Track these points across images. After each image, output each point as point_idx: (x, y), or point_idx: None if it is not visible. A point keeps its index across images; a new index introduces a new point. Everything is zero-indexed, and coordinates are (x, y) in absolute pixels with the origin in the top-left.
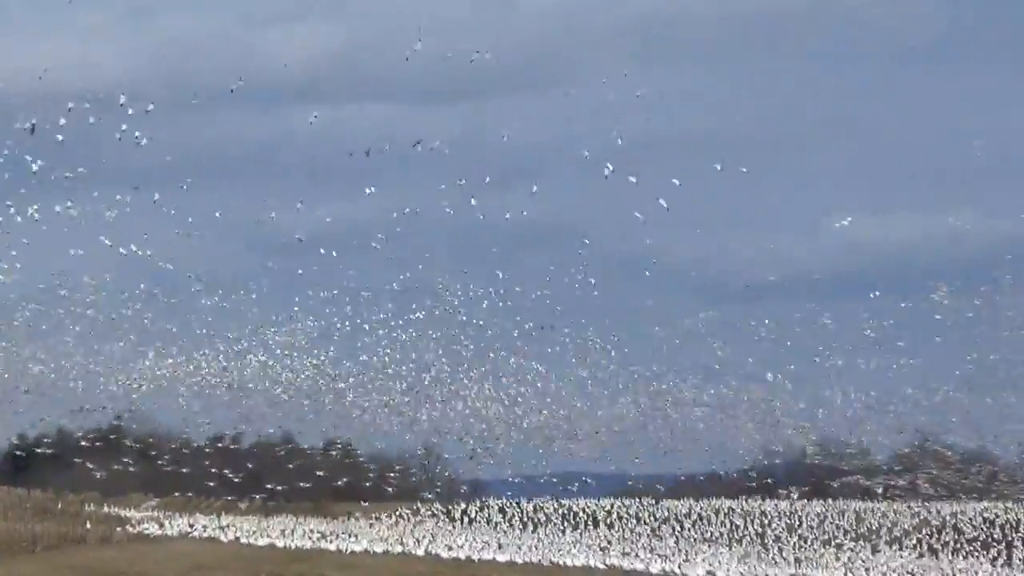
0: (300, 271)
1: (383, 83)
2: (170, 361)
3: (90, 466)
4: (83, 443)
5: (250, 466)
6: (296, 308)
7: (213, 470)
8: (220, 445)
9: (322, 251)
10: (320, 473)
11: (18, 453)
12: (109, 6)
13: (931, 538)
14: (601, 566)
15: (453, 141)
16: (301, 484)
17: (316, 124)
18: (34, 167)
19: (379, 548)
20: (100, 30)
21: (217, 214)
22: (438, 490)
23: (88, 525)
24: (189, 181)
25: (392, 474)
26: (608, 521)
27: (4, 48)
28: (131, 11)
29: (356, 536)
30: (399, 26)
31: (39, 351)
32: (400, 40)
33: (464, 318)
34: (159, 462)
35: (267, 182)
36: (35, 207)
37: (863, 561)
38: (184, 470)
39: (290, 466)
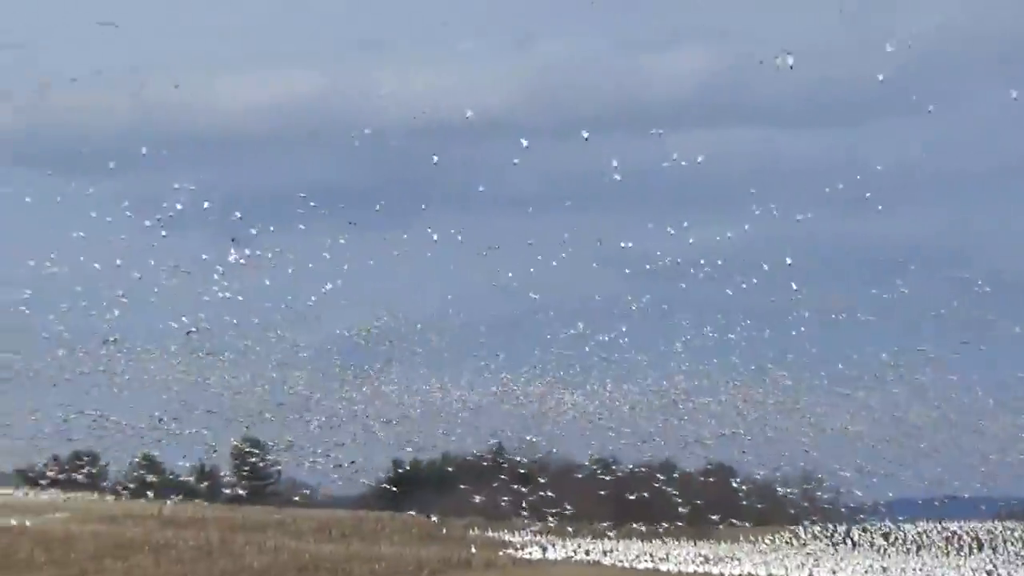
0: (670, 297)
1: (756, 107)
2: (544, 387)
3: (463, 489)
4: (466, 468)
5: (629, 490)
6: (676, 334)
7: (594, 494)
8: (600, 470)
9: (692, 274)
10: (700, 497)
11: (400, 478)
12: (491, 34)
13: None
14: None
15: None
16: (681, 508)
17: (688, 149)
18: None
19: (762, 572)
20: (481, 58)
21: (597, 239)
22: (819, 513)
23: (473, 549)
24: (566, 205)
25: (772, 497)
26: (992, 544)
27: (390, 78)
28: (513, 39)
29: (738, 560)
30: (769, 51)
31: (420, 378)
32: (771, 65)
33: (838, 340)
34: (542, 486)
35: (640, 206)
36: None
37: None
38: (566, 495)
39: (670, 490)
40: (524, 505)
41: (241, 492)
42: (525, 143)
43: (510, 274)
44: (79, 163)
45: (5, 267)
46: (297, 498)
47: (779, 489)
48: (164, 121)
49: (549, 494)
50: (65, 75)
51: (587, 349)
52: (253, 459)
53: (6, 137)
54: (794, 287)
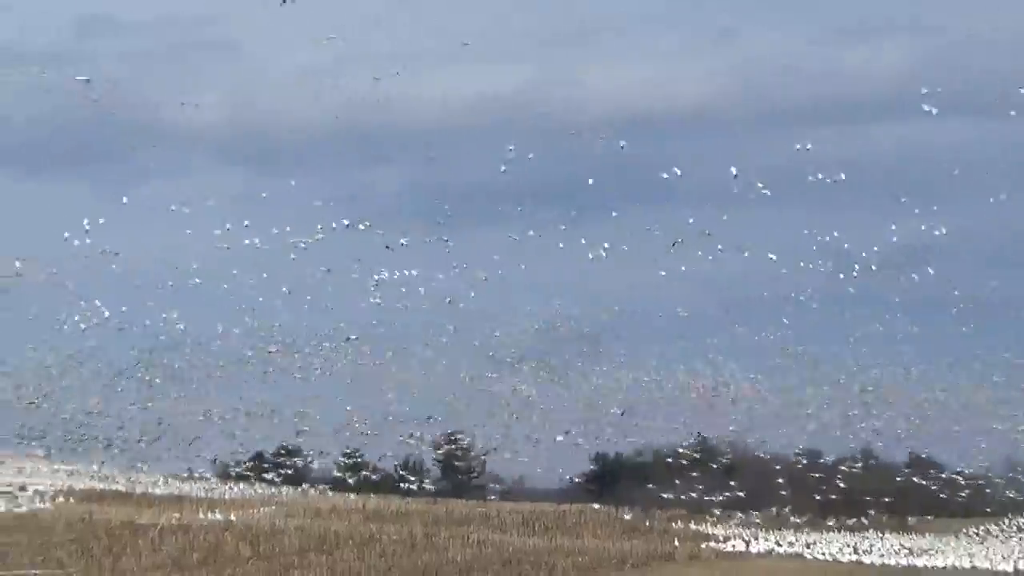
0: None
1: (959, 98)
2: (745, 380)
3: (665, 482)
4: (669, 461)
5: (830, 483)
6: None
7: (796, 487)
8: (804, 462)
9: (896, 267)
10: (902, 489)
11: (604, 471)
12: (694, 29)
13: None
14: None
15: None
16: (885, 500)
17: (899, 140)
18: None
19: (966, 564)
20: (683, 52)
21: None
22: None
23: (676, 543)
24: (768, 198)
25: (972, 488)
26: None
27: (595, 72)
28: (716, 33)
29: (942, 552)
30: (973, 40)
31: (621, 371)
32: (975, 54)
33: None
34: (743, 479)
35: (848, 200)
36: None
37: None
38: (768, 487)
39: (872, 482)
40: (726, 498)
41: (428, 487)
42: (623, 143)
43: (701, 266)
44: (283, 159)
45: (200, 260)
46: (494, 497)
47: (982, 481)
48: (368, 117)
49: (751, 486)
50: (270, 72)
51: (784, 342)
52: (457, 453)
53: (212, 134)
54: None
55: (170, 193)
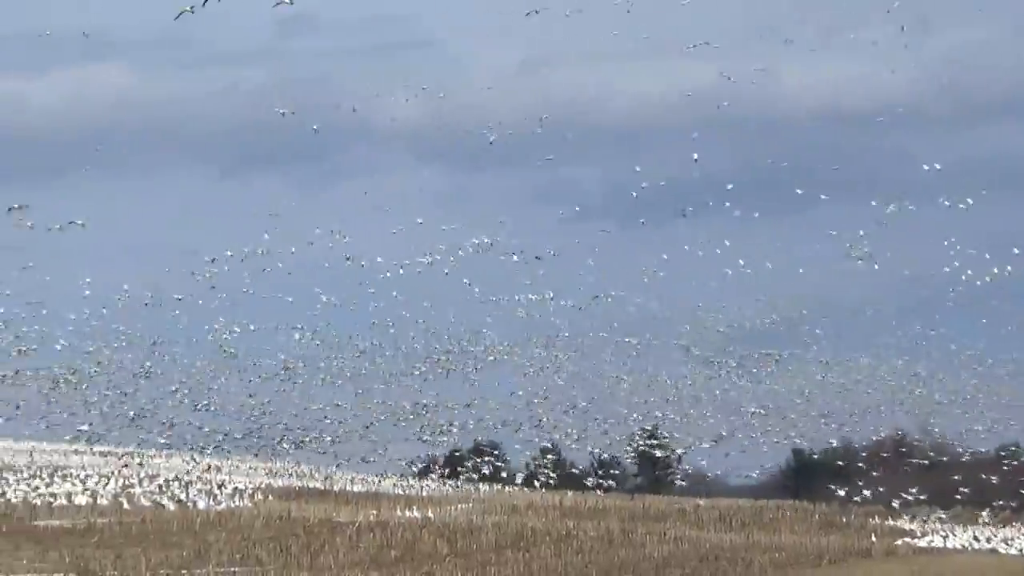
0: None
1: None
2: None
3: (861, 478)
4: (866, 456)
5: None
6: None
7: (997, 480)
8: (1004, 455)
9: None
10: None
11: (801, 466)
12: (890, 24)
13: None
14: None
15: None
16: None
17: None
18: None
19: None
20: (883, 48)
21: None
22: None
23: (872, 538)
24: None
25: None
26: None
27: (792, 68)
28: (915, 27)
29: None
30: None
31: (815, 366)
32: None
33: None
34: (941, 473)
35: None
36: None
37: None
38: (965, 482)
39: None
40: (919, 495)
41: (610, 484)
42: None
43: (907, 268)
44: (482, 157)
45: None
46: (683, 505)
47: None
48: (562, 113)
49: (945, 483)
50: (470, 70)
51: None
52: (654, 450)
53: (412, 132)
54: None
55: (369, 191)
